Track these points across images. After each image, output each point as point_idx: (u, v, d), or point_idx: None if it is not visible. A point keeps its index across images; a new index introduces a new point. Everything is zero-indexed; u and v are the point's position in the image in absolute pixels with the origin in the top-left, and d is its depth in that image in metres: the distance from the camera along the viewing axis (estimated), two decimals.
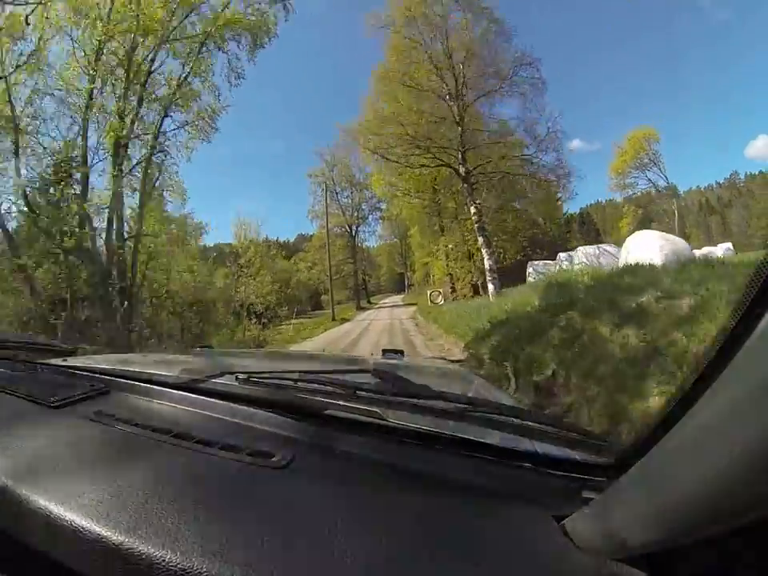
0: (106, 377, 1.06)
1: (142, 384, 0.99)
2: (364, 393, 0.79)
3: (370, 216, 39.29)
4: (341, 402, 0.78)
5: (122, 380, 1.03)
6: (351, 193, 37.53)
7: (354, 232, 38.39)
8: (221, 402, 0.87)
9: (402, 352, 1.90)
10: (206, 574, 0.41)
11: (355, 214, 38.15)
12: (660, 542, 0.38)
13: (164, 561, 0.42)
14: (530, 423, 0.71)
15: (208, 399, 0.89)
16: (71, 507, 0.50)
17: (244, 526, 0.48)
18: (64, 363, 1.20)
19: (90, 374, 1.09)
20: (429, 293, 22.27)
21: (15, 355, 1.29)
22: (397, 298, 41.01)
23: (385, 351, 1.93)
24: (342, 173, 36.60)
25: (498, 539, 0.49)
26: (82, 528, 0.47)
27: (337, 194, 36.62)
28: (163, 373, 1.00)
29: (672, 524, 0.35)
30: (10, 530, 0.52)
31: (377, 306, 35.54)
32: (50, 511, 0.50)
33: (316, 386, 0.84)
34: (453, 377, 1.71)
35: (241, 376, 0.91)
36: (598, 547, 0.46)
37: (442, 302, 20.30)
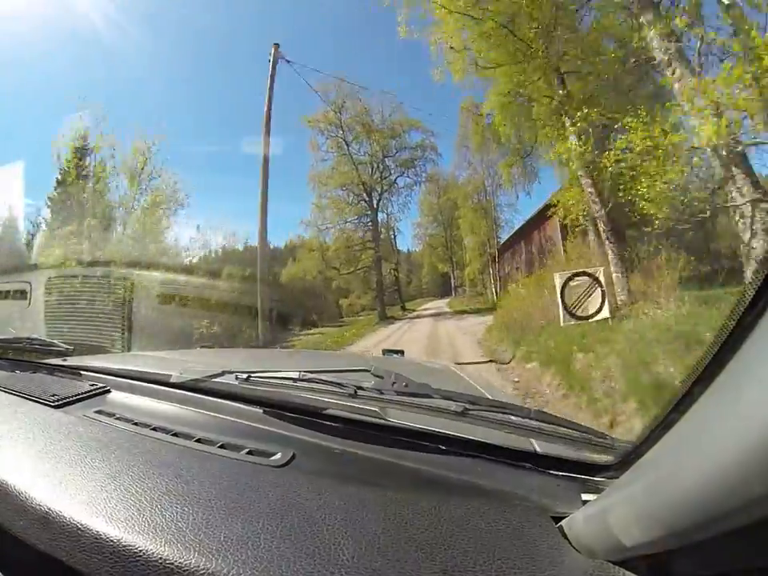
0: (107, 376, 1.07)
1: (142, 383, 0.99)
2: (364, 392, 0.79)
3: (399, 178, 24.20)
4: (340, 402, 0.78)
5: (123, 379, 1.03)
6: (370, 144, 23.02)
7: (375, 202, 23.49)
8: (221, 401, 0.87)
9: (401, 351, 1.90)
10: (205, 571, 0.41)
11: (376, 175, 23.51)
12: (658, 544, 0.37)
13: (163, 558, 0.43)
14: (530, 422, 0.71)
15: (208, 398, 0.89)
16: (71, 505, 0.50)
17: (243, 525, 0.48)
18: (64, 363, 1.20)
19: (91, 374, 1.10)
20: (561, 280, 6.28)
21: (16, 355, 1.30)
22: (441, 303, 29.42)
23: (385, 351, 1.93)
24: (356, 115, 22.61)
25: (496, 539, 0.49)
26: (82, 526, 0.47)
27: (348, 144, 22.84)
28: (163, 372, 1.00)
29: (671, 525, 0.35)
30: (10, 528, 0.52)
31: (412, 314, 24.39)
32: (50, 509, 0.50)
33: (316, 385, 0.84)
34: (453, 376, 1.72)
35: (241, 375, 0.91)
36: (595, 549, 0.46)
37: (606, 313, 5.87)
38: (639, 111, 5.73)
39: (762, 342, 0.31)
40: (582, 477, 0.63)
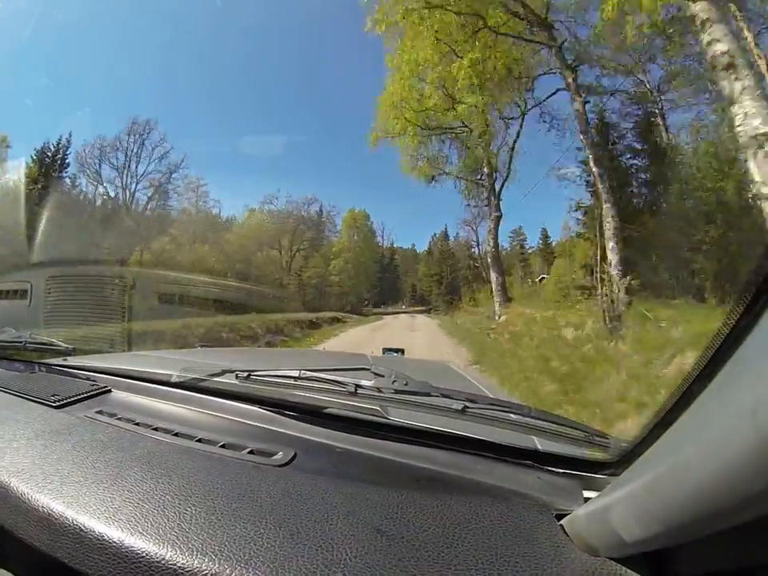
0: (107, 376, 1.07)
1: (142, 383, 0.99)
2: (364, 391, 0.79)
3: None
4: (341, 400, 0.78)
5: (123, 379, 1.03)
6: None
7: None
8: (221, 400, 0.87)
9: (402, 350, 1.91)
10: (206, 572, 0.41)
11: None
12: (659, 541, 0.38)
13: (164, 559, 0.43)
14: (531, 420, 0.71)
15: (208, 398, 0.89)
16: (73, 506, 0.50)
17: (245, 524, 0.48)
18: (64, 363, 1.20)
19: (91, 374, 1.10)
20: None
21: (16, 355, 1.30)
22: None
23: (385, 350, 1.94)
24: None
25: (498, 537, 0.49)
26: (84, 527, 0.47)
27: None
28: (164, 372, 1.01)
29: (672, 522, 0.35)
30: (12, 529, 0.52)
31: None
32: (51, 510, 0.50)
33: (316, 384, 0.84)
34: (453, 374, 1.72)
35: (241, 374, 0.91)
36: (597, 546, 0.46)
37: None
38: None
39: (760, 341, 0.31)
40: (584, 474, 0.63)
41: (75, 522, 0.48)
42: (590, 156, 9.28)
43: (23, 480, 0.56)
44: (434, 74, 12.04)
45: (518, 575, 0.43)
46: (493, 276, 13.58)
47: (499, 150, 14.15)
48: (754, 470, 0.27)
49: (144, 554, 0.44)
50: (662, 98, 12.21)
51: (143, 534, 0.46)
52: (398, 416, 0.74)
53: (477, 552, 0.46)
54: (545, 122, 13.71)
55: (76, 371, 1.14)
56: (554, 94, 12.52)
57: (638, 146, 12.00)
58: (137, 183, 22.42)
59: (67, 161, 20.54)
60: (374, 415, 0.74)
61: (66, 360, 1.23)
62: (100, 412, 0.84)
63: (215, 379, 0.93)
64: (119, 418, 0.81)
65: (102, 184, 21.37)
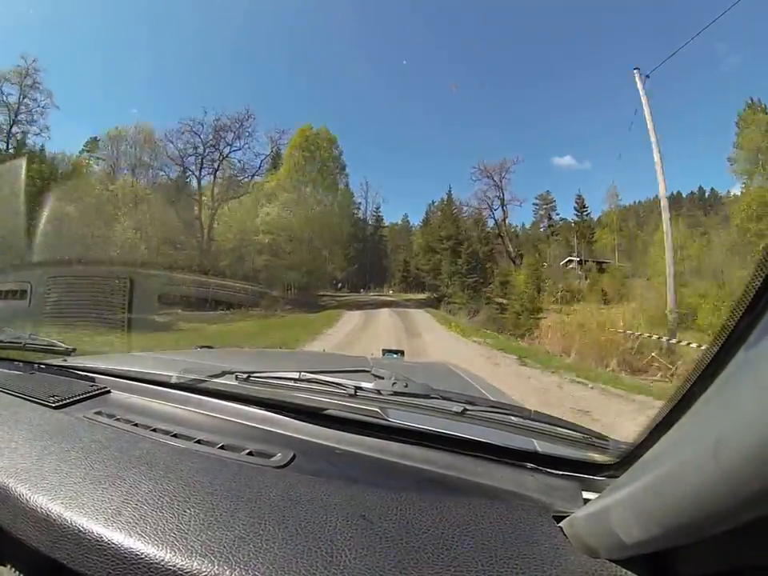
0: (106, 377, 1.07)
1: (142, 384, 0.99)
2: (364, 392, 0.79)
3: None
4: (341, 402, 0.78)
5: (123, 380, 1.03)
6: None
7: None
8: (221, 401, 0.87)
9: (402, 352, 1.91)
10: (206, 573, 0.41)
11: None
12: (658, 543, 0.38)
13: (163, 561, 0.43)
14: (530, 423, 0.71)
15: (208, 399, 0.89)
16: (71, 507, 0.50)
17: (244, 526, 0.48)
18: (64, 363, 1.20)
19: (91, 374, 1.10)
20: None
21: (15, 355, 1.29)
22: None
23: (385, 351, 1.94)
24: None
25: (498, 539, 0.49)
26: (83, 528, 0.47)
27: None
28: (163, 373, 1.01)
29: (671, 524, 0.35)
30: (11, 530, 0.52)
31: None
32: (49, 511, 0.50)
33: (316, 385, 0.84)
34: (452, 376, 1.72)
35: (241, 376, 0.91)
36: (596, 547, 0.46)
37: None
38: None
39: (760, 343, 0.31)
40: (583, 476, 0.63)
41: (74, 523, 0.48)
42: None
43: (21, 481, 0.56)
44: None
45: None
46: None
47: None
48: (752, 473, 0.27)
49: (143, 556, 0.44)
50: None
51: (142, 536, 0.46)
52: (398, 418, 0.74)
53: (476, 553, 0.46)
54: None
55: (75, 372, 1.14)
56: None
57: None
58: None
59: None
60: (373, 417, 0.74)
61: (65, 360, 1.23)
62: (99, 413, 0.84)
63: (215, 380, 0.93)
64: (118, 419, 0.81)
65: None
